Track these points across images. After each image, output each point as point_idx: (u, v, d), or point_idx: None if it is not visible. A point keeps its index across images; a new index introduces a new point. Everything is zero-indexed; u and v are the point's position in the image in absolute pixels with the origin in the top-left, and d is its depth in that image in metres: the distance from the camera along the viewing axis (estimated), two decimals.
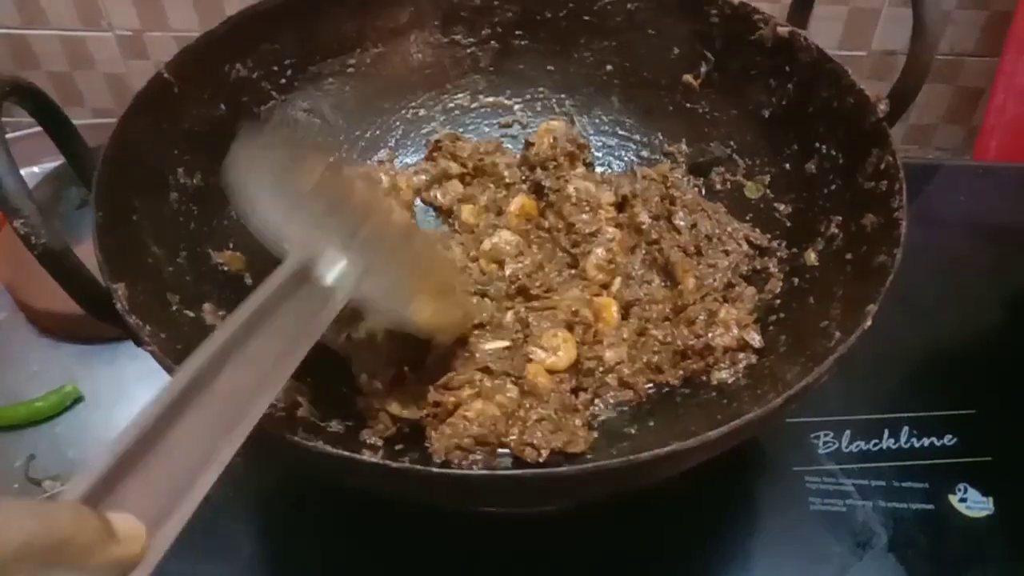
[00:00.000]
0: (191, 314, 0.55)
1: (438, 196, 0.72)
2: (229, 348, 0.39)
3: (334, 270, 0.46)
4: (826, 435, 0.68)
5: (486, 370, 0.57)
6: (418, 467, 0.38)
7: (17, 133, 0.93)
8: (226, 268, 0.61)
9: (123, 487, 0.32)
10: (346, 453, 0.39)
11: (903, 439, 0.68)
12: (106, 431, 0.74)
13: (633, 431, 0.55)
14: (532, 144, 0.72)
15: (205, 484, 0.35)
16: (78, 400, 0.76)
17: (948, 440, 0.68)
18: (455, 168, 0.72)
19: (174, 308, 0.54)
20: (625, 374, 0.59)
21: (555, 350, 0.60)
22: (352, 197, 0.58)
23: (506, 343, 0.60)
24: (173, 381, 0.37)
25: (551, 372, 0.59)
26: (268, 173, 0.51)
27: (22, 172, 0.83)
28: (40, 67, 1.03)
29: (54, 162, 0.88)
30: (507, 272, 0.65)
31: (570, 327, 0.61)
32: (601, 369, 0.59)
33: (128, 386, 0.77)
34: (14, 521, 0.27)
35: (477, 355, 0.58)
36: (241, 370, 0.38)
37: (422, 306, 0.53)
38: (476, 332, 0.60)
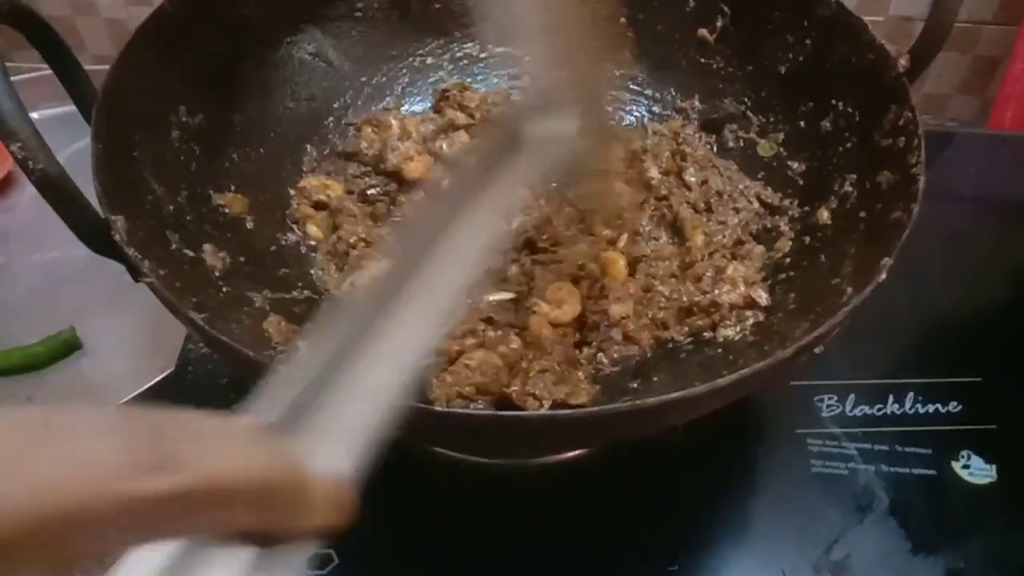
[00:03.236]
0: (191, 253, 0.54)
1: (444, 147, 0.70)
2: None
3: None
4: (830, 398, 0.67)
5: (489, 320, 0.57)
6: (422, 405, 0.37)
7: (17, 77, 0.92)
8: (227, 210, 0.60)
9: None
10: None
11: (908, 404, 0.67)
12: (103, 379, 0.73)
13: (636, 385, 0.54)
14: None
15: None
16: (76, 347, 0.75)
17: (953, 407, 0.67)
18: (462, 119, 0.71)
19: (174, 247, 0.53)
20: (630, 329, 0.58)
21: (559, 303, 0.59)
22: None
23: (510, 295, 0.59)
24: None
25: (555, 325, 0.58)
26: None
27: None
28: (40, 10, 1.01)
29: (55, 108, 0.87)
30: (514, 224, 0.64)
31: (576, 281, 0.60)
32: (606, 323, 0.59)
33: (127, 335, 0.76)
34: (220, 452, 0.22)
35: (481, 305, 0.58)
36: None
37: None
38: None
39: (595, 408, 0.38)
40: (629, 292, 0.61)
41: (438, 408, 0.37)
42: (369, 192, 0.67)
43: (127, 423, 0.21)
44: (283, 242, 0.63)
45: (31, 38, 0.49)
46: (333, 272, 0.61)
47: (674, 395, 0.37)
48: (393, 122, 0.69)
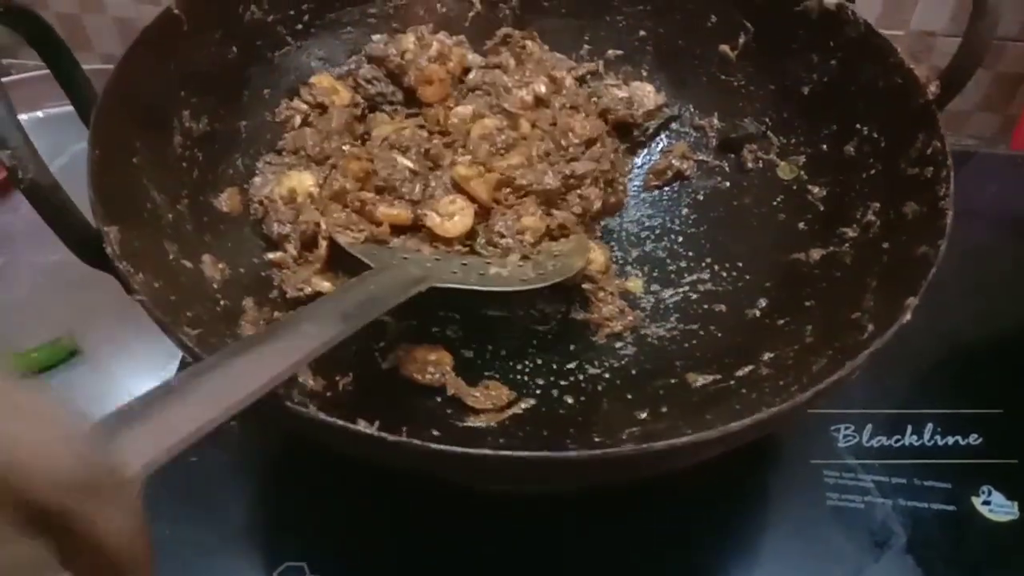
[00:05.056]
0: (189, 264, 0.53)
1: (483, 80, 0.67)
2: None
3: None
4: (847, 428, 0.65)
5: None
6: (416, 442, 0.35)
7: (21, 75, 0.91)
8: (225, 209, 0.59)
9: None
10: (340, 422, 0.37)
11: (927, 436, 0.65)
12: (101, 387, 0.72)
13: (645, 416, 0.52)
14: None
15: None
16: (74, 353, 0.74)
17: (973, 439, 0.65)
18: (512, 66, 0.69)
19: (171, 257, 0.51)
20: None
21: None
22: None
23: None
24: None
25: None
26: None
27: (25, 116, 0.80)
28: (48, 7, 1.00)
29: (60, 107, 0.86)
30: None
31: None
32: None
33: (127, 342, 0.74)
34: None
35: None
36: None
37: None
38: None
39: (598, 451, 0.36)
40: None
41: (432, 446, 0.35)
42: (376, 98, 0.67)
43: None
44: None
45: (31, 39, 0.48)
46: (291, 249, 0.58)
47: (682, 439, 0.35)
48: (435, 43, 0.66)
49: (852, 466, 0.63)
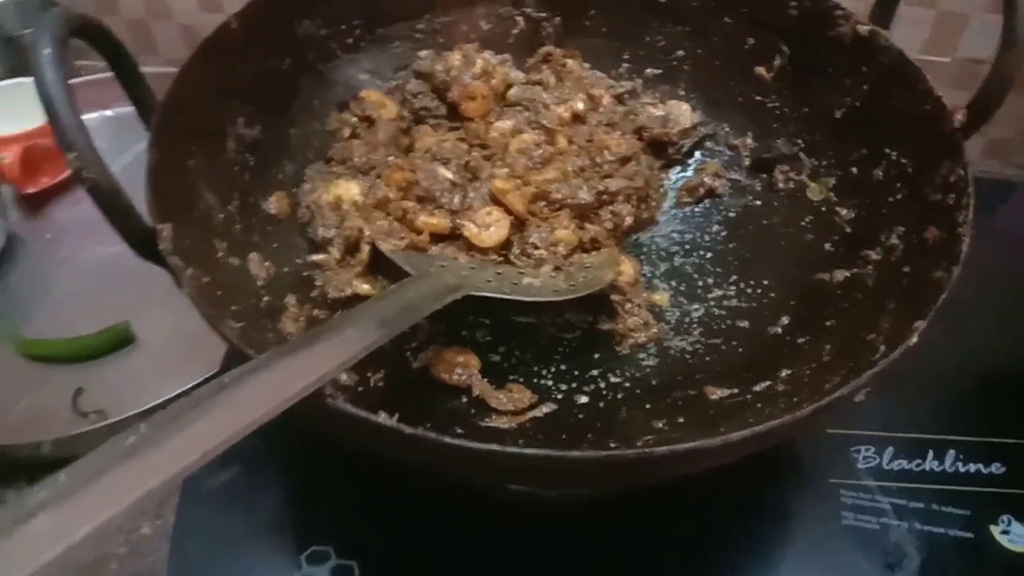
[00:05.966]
0: (236, 262, 0.56)
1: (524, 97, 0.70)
2: None
3: None
4: (867, 450, 0.66)
5: None
6: (432, 435, 0.38)
7: (93, 76, 0.96)
8: (273, 212, 0.62)
9: None
10: (361, 412, 0.39)
11: (947, 462, 0.65)
12: (153, 372, 0.76)
13: (661, 425, 0.53)
14: None
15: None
16: (129, 340, 0.77)
17: (995, 468, 0.65)
18: (552, 83, 0.72)
19: (220, 255, 0.55)
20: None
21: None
22: None
23: None
24: None
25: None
26: None
27: (95, 115, 0.85)
28: (120, 13, 1.05)
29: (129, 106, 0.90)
30: None
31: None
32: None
33: (179, 331, 0.78)
34: None
35: None
36: None
37: None
38: None
39: (608, 452, 0.38)
40: None
41: (447, 440, 0.37)
42: (421, 111, 0.70)
43: None
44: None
45: (101, 51, 0.51)
46: (335, 253, 0.61)
47: (684, 446, 0.37)
48: (479, 61, 0.70)
49: (870, 487, 0.64)
